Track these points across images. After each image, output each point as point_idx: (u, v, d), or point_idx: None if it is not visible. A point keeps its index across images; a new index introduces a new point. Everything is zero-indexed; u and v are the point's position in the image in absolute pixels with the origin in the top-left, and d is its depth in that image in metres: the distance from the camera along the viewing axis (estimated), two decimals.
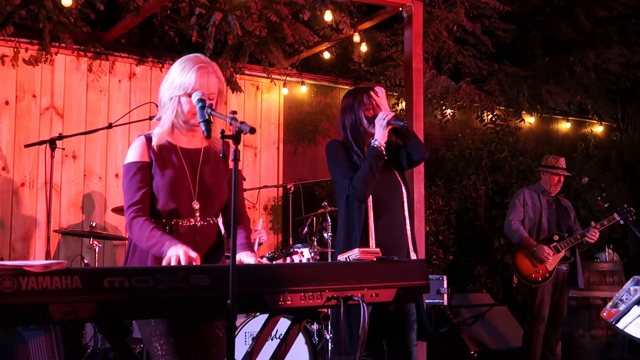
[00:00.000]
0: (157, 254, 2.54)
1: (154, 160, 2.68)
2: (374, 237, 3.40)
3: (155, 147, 2.69)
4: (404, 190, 3.55)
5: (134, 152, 2.70)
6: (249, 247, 2.79)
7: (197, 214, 2.70)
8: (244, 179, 3.17)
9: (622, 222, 5.61)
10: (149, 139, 2.73)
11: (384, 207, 3.47)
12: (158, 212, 2.68)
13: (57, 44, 5.98)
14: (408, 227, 3.55)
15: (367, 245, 3.35)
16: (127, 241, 2.82)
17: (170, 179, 2.67)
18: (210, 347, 2.62)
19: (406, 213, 3.54)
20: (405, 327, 3.45)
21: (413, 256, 3.52)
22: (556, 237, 5.60)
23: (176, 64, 2.73)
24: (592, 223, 5.69)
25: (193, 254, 2.46)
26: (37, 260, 2.08)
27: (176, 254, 2.44)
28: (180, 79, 2.65)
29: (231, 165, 2.76)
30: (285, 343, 2.72)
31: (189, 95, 2.63)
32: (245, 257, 2.69)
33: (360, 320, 2.47)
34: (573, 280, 5.70)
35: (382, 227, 3.44)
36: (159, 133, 2.71)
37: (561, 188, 5.82)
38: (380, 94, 3.55)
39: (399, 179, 3.57)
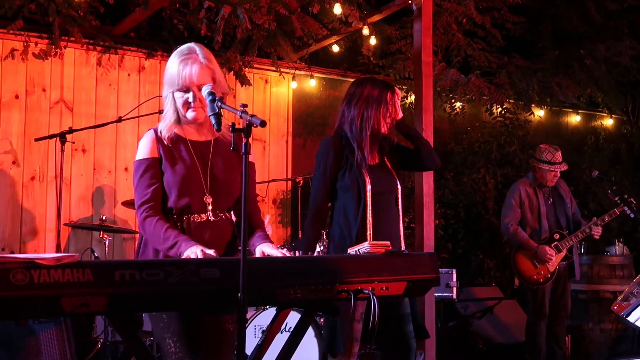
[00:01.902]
0: (174, 255, 2.52)
1: (163, 156, 2.66)
2: (371, 231, 3.39)
3: (164, 141, 2.67)
4: (398, 186, 3.56)
5: (144, 148, 2.68)
6: (269, 239, 2.77)
7: (210, 209, 2.68)
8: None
9: (630, 213, 5.56)
10: (157, 132, 2.71)
11: (381, 201, 3.47)
12: (170, 209, 2.66)
13: (66, 38, 5.98)
14: (401, 222, 3.55)
15: (364, 240, 3.32)
16: (137, 235, 2.81)
17: (181, 175, 2.64)
18: (219, 342, 2.61)
19: (400, 208, 3.55)
20: (400, 320, 3.44)
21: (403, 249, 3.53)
22: (557, 236, 5.51)
23: (170, 57, 2.72)
24: (594, 219, 5.56)
25: (210, 252, 2.45)
26: (48, 253, 2.08)
27: (194, 253, 2.43)
28: (168, 74, 2.66)
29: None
30: (296, 336, 2.73)
31: (180, 91, 2.63)
32: (268, 249, 2.66)
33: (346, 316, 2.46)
34: (571, 272, 5.65)
35: (377, 221, 3.43)
36: (164, 127, 2.69)
37: (571, 181, 5.75)
38: (399, 98, 3.55)
39: (394, 174, 3.57)
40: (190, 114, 2.66)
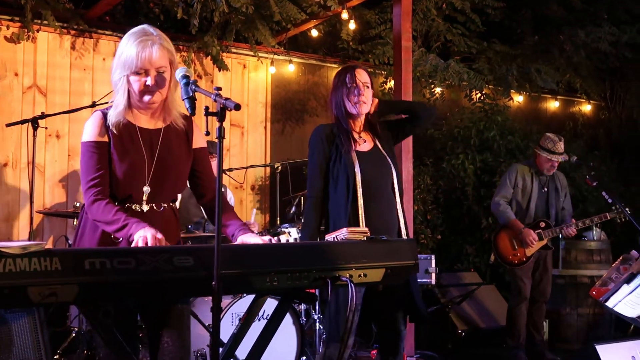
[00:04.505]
0: (124, 236, 2.47)
1: (112, 141, 2.58)
2: (363, 220, 3.34)
3: (113, 127, 2.59)
4: (393, 171, 3.49)
5: (93, 131, 2.59)
6: (247, 228, 2.70)
7: (144, 199, 2.61)
8: (213, 154, 2.97)
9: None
10: (106, 116, 2.62)
11: (374, 189, 3.41)
12: (113, 196, 2.59)
13: (39, 21, 5.86)
14: (399, 208, 3.48)
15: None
16: (77, 224, 2.72)
17: (127, 163, 2.58)
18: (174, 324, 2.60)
19: (397, 194, 3.48)
20: (394, 308, 3.41)
21: (405, 237, 3.48)
22: (542, 225, 5.53)
23: (123, 39, 2.60)
24: (573, 221, 5.58)
25: (160, 236, 2.40)
26: (14, 242, 2.02)
27: (144, 235, 2.37)
28: (124, 57, 2.53)
29: (195, 145, 2.73)
30: (273, 324, 2.69)
31: (137, 74, 2.53)
32: (251, 239, 2.60)
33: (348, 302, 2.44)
34: (556, 260, 5.70)
35: (372, 209, 3.37)
36: (113, 115, 2.59)
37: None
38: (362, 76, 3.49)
39: (389, 160, 3.50)
40: (146, 98, 2.58)
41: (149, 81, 2.54)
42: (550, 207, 5.62)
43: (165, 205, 2.68)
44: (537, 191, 5.60)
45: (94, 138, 2.58)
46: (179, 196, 2.85)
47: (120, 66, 2.54)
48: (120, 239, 2.53)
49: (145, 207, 2.62)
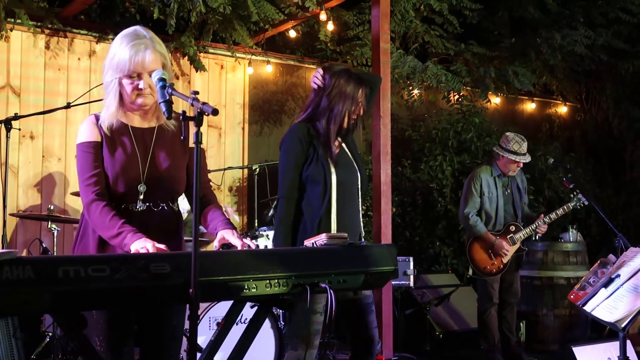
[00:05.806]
0: (118, 245, 2.44)
1: (104, 141, 2.58)
2: (335, 224, 3.32)
3: (105, 128, 2.58)
4: (359, 175, 3.49)
5: (86, 132, 2.59)
6: (230, 225, 2.69)
7: (141, 198, 2.59)
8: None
9: (585, 200, 5.60)
10: (98, 118, 2.62)
11: (345, 193, 3.40)
12: (109, 195, 2.57)
13: (12, 20, 5.77)
14: (360, 214, 3.50)
15: (329, 231, 3.25)
16: (78, 225, 2.70)
17: (120, 162, 2.56)
18: (164, 336, 2.58)
19: (360, 199, 3.50)
20: (363, 311, 3.39)
21: (363, 239, 3.51)
22: (512, 228, 5.50)
23: (115, 40, 2.60)
24: (541, 217, 5.55)
25: (162, 247, 2.37)
26: None
27: (143, 246, 2.35)
28: (117, 59, 2.53)
29: (190, 145, 2.69)
30: (251, 330, 2.66)
31: (129, 77, 2.52)
32: (231, 236, 2.57)
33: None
34: (520, 263, 5.71)
35: (342, 213, 3.35)
36: (106, 115, 2.59)
37: (526, 168, 5.73)
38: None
39: (354, 164, 3.50)
40: (139, 100, 2.57)
41: (142, 85, 2.54)
42: (516, 208, 5.62)
43: (164, 205, 2.65)
44: (503, 196, 5.57)
45: (88, 138, 2.58)
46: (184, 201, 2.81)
47: (113, 68, 2.55)
48: None
49: (142, 207, 2.59)
